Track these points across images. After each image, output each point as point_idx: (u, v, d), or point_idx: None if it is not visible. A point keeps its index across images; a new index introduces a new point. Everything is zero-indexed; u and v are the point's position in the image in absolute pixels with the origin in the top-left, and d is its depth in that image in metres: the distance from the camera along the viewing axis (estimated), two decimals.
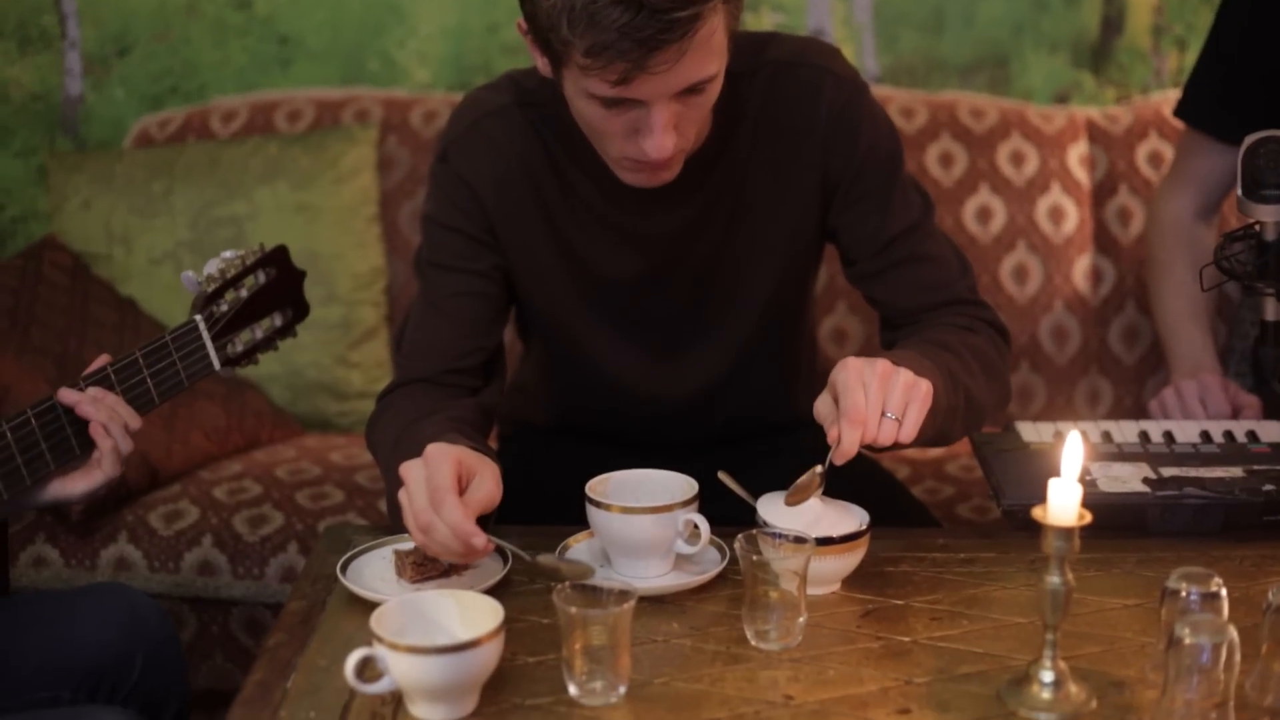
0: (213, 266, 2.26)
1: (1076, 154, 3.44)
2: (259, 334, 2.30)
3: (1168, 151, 3.40)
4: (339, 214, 3.38)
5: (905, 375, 1.94)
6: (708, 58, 1.98)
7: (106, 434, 2.08)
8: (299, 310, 2.38)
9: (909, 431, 1.94)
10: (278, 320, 2.34)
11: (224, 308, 2.24)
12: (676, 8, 1.88)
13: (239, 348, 2.26)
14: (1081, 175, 3.43)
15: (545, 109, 2.20)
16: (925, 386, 1.96)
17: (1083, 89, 3.75)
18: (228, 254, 2.28)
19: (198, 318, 2.21)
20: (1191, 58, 3.62)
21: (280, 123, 3.58)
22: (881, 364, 1.94)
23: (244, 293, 2.27)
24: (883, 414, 1.92)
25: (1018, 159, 3.42)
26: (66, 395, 2.07)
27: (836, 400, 1.94)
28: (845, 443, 1.91)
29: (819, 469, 1.96)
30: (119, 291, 3.36)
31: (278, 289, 2.33)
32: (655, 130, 2.02)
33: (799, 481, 1.97)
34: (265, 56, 3.81)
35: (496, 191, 2.27)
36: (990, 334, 2.30)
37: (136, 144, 3.64)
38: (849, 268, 2.37)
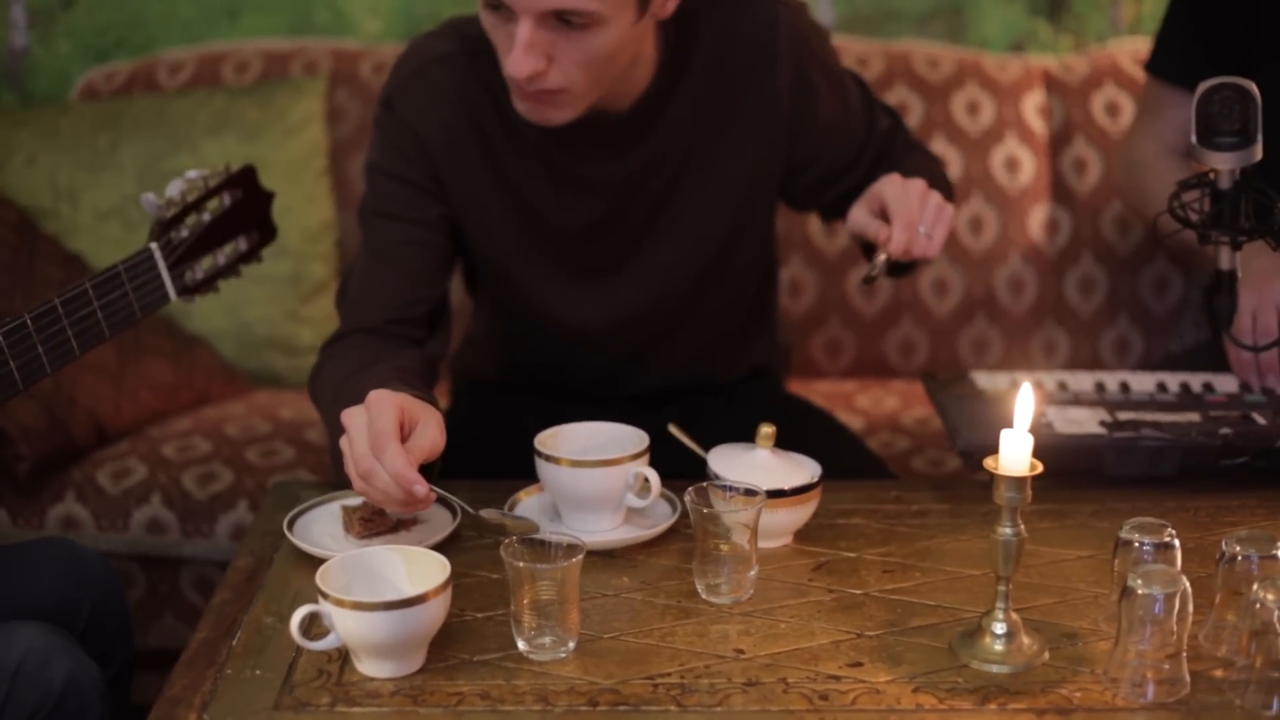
0: (174, 189, 2.16)
1: (1033, 103, 3.42)
2: (221, 260, 2.21)
3: (1124, 101, 3.39)
4: (288, 167, 3.35)
5: (937, 196, 2.15)
6: None
7: None
8: (265, 233, 2.30)
9: (937, 246, 2.14)
10: (242, 244, 2.25)
11: (184, 234, 2.15)
12: None
13: (199, 275, 2.17)
14: (1038, 125, 3.41)
15: (491, 56, 2.17)
16: (950, 210, 2.17)
17: (1038, 38, 3.73)
18: (191, 174, 2.19)
19: (153, 245, 2.12)
20: (1148, 7, 3.62)
21: (228, 75, 3.54)
22: (918, 183, 2.15)
23: (206, 216, 2.18)
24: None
25: (973, 109, 3.40)
26: None
27: (879, 211, 2.15)
28: (896, 243, 2.10)
29: (883, 257, 2.10)
30: (65, 247, 3.32)
31: (243, 211, 2.24)
32: (516, 45, 2.03)
33: (868, 275, 2.10)
34: (212, 8, 3.77)
35: (442, 139, 2.25)
36: (925, 158, 2.49)
37: (82, 97, 3.59)
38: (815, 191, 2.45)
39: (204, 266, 2.19)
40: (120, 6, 3.77)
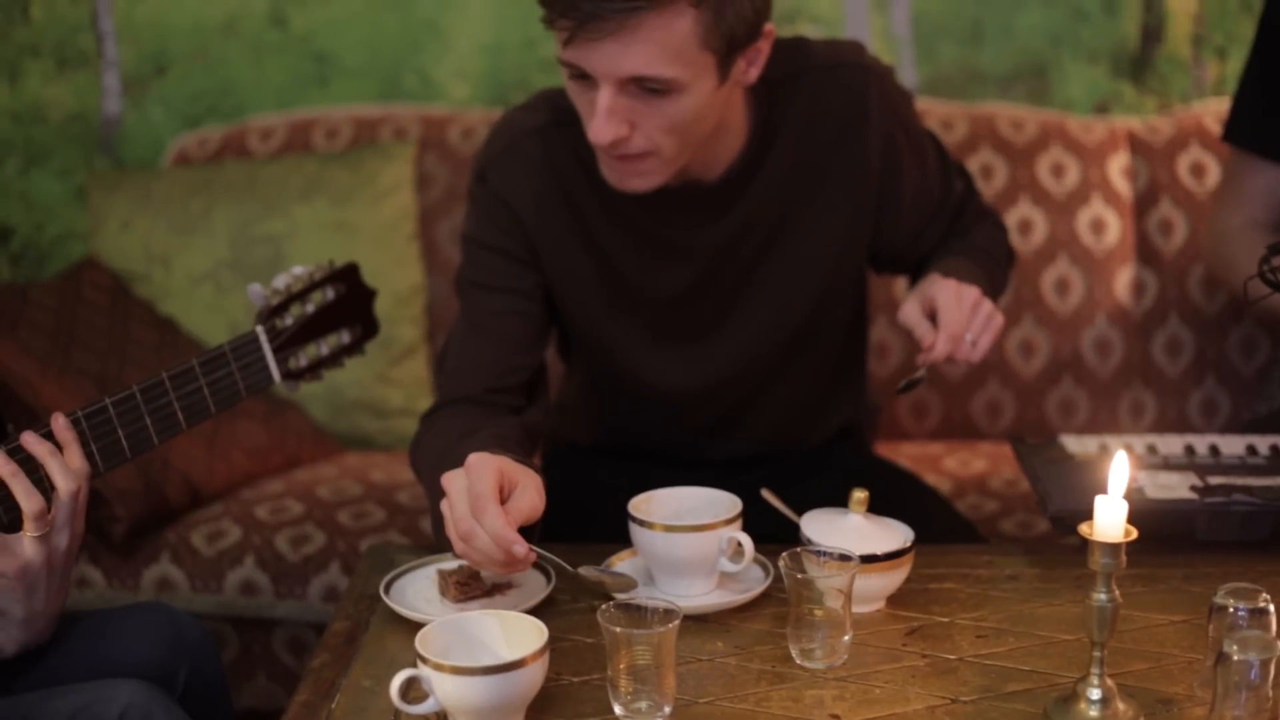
0: (280, 281, 2.23)
1: (1117, 165, 3.42)
2: (324, 350, 2.28)
3: (1209, 162, 3.38)
4: (377, 232, 3.39)
5: (988, 305, 2.20)
6: (661, 56, 2.01)
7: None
8: (368, 328, 2.36)
9: (980, 353, 2.18)
10: (345, 337, 2.31)
11: (288, 321, 2.21)
12: None
13: (302, 362, 2.24)
14: (1122, 186, 3.41)
15: (581, 127, 2.19)
16: (999, 319, 2.21)
17: (1122, 99, 3.73)
18: (297, 269, 2.26)
19: (259, 328, 2.18)
20: (1232, 67, 3.62)
21: (318, 140, 3.58)
22: (971, 293, 2.19)
23: (310, 308, 2.24)
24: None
25: (1058, 171, 3.41)
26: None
27: (929, 312, 2.20)
28: (938, 352, 2.15)
29: (921, 372, 2.20)
30: (158, 311, 3.37)
31: (346, 306, 2.31)
32: (598, 112, 2.06)
33: (908, 381, 2.21)
34: (303, 74, 3.82)
35: (536, 210, 2.28)
36: (992, 227, 2.54)
37: (175, 163, 3.64)
38: (898, 251, 2.48)
39: (307, 354, 2.24)
40: (212, 73, 3.83)
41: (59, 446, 1.95)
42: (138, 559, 2.94)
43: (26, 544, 1.90)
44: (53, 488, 1.92)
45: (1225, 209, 2.82)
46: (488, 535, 1.81)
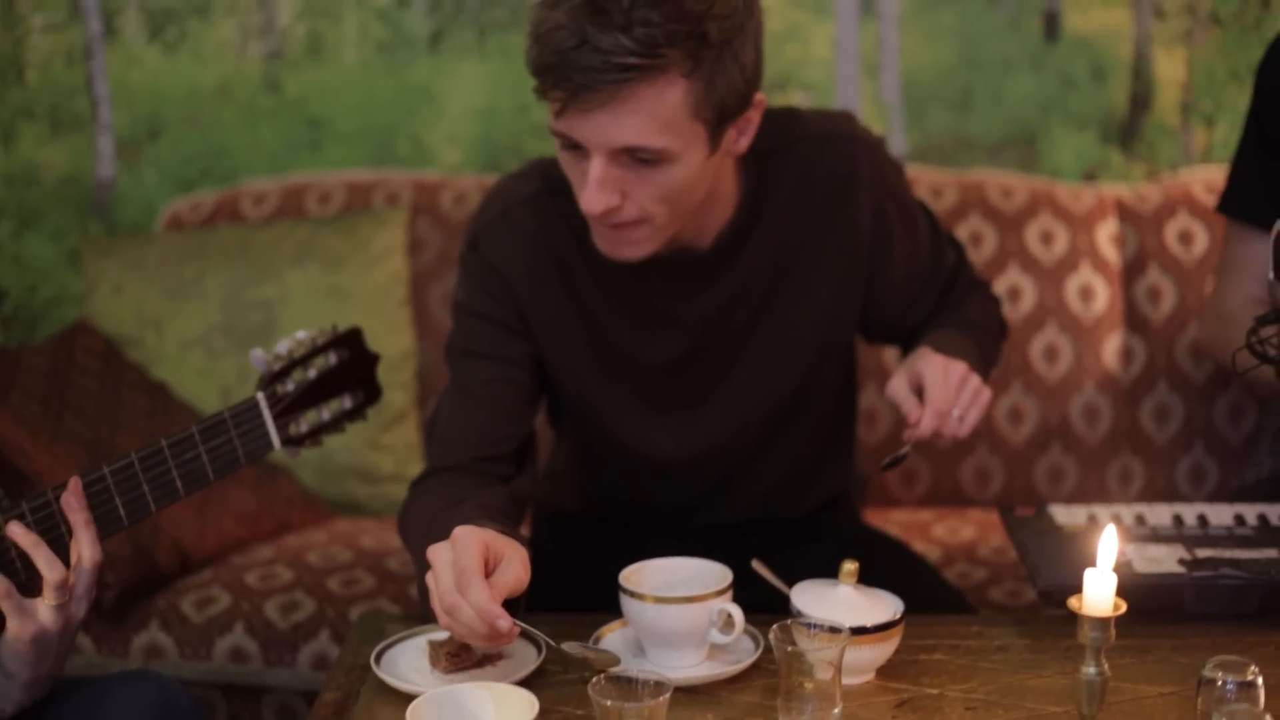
0: (283, 346, 2.22)
1: (1106, 232, 3.43)
2: (326, 415, 2.26)
3: (1197, 229, 3.40)
4: (369, 297, 3.39)
5: (976, 380, 2.21)
6: (652, 126, 2.02)
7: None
8: (370, 394, 2.34)
9: (968, 428, 2.20)
10: (347, 402, 2.29)
11: (289, 387, 2.20)
12: (617, 53, 1.95)
13: (303, 428, 2.22)
14: (1111, 254, 3.42)
15: (573, 196, 2.20)
16: (987, 394, 2.22)
17: (1111, 166, 3.75)
18: (300, 334, 2.25)
19: (259, 395, 2.17)
20: (1220, 134, 3.64)
21: (311, 205, 3.59)
22: (959, 368, 2.20)
23: (312, 373, 2.23)
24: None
25: (1047, 238, 3.42)
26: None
27: (916, 387, 2.21)
28: (924, 427, 2.17)
29: (905, 449, 2.21)
30: (150, 376, 3.37)
31: (349, 371, 2.29)
32: (589, 182, 2.07)
33: (893, 457, 2.22)
34: (296, 139, 3.83)
35: (528, 279, 2.29)
36: (984, 299, 2.57)
37: (168, 227, 3.64)
38: (886, 321, 2.49)
39: (308, 420, 2.23)
40: (205, 138, 3.85)
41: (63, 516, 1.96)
42: (127, 626, 2.94)
43: (44, 611, 1.91)
44: (78, 558, 1.93)
45: (1224, 286, 2.78)
46: (472, 609, 1.81)
